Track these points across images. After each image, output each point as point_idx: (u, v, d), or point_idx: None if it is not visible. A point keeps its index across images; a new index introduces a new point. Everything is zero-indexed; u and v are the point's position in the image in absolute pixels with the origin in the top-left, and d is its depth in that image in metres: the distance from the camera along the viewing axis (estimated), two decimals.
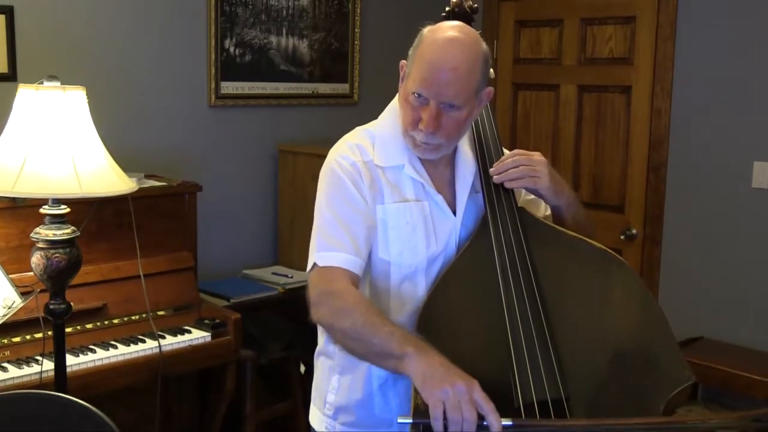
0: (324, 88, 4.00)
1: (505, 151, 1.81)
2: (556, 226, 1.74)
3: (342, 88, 4.07)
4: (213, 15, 3.51)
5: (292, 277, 3.52)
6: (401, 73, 1.69)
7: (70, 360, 2.54)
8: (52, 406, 1.78)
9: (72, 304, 2.38)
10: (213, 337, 2.91)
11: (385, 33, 4.14)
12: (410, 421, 1.40)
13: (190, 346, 2.85)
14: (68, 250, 2.30)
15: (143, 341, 2.78)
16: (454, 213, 1.73)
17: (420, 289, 1.69)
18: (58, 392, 1.93)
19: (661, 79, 3.69)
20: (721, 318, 3.55)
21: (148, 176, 3.17)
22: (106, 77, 3.21)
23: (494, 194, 1.72)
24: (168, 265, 3.00)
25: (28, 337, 2.60)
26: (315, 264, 1.64)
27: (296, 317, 3.05)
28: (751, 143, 3.44)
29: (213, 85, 3.56)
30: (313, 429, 1.83)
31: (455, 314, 1.64)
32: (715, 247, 3.57)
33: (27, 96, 2.25)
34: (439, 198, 1.71)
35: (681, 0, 3.61)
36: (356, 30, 4.06)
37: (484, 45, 1.65)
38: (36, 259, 2.29)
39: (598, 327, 1.64)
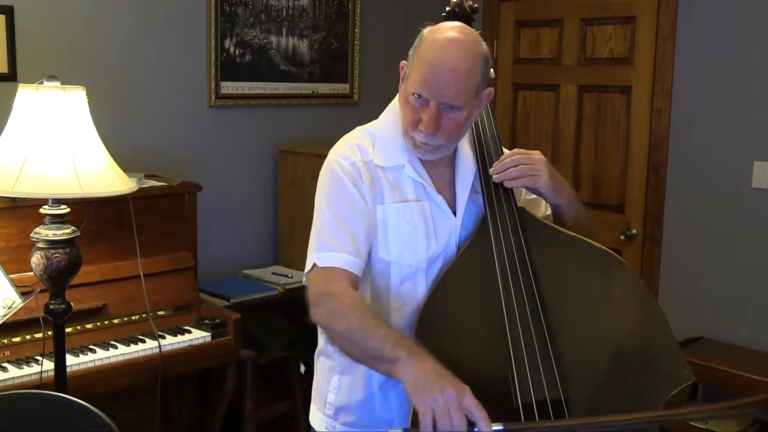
0: (324, 88, 4.00)
1: (505, 150, 1.81)
2: (556, 226, 1.74)
3: (342, 88, 4.08)
4: (213, 15, 3.51)
5: (292, 277, 3.52)
6: (401, 74, 1.69)
7: (70, 360, 2.55)
8: (52, 406, 1.79)
9: (72, 304, 2.38)
10: (213, 337, 2.91)
11: (385, 33, 4.14)
12: (400, 430, 1.39)
13: (190, 346, 2.85)
14: (68, 250, 2.30)
15: (143, 341, 2.78)
16: (454, 213, 1.73)
17: (420, 289, 1.69)
18: (58, 392, 1.93)
19: (661, 79, 3.69)
20: (721, 318, 3.55)
21: (148, 176, 3.17)
22: (106, 77, 3.21)
23: (494, 194, 1.72)
24: (168, 265, 3.00)
25: (28, 337, 2.60)
26: (315, 264, 1.64)
27: (296, 317, 3.05)
28: (751, 143, 3.44)
29: (213, 85, 3.56)
30: (314, 429, 1.83)
31: (455, 314, 1.64)
32: (715, 247, 3.57)
33: (27, 96, 2.25)
34: (440, 198, 1.71)
35: (681, 0, 3.61)
36: (356, 30, 4.06)
37: (484, 45, 1.65)
38: (36, 259, 2.29)
39: (598, 327, 1.64)
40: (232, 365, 3.01)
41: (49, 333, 2.40)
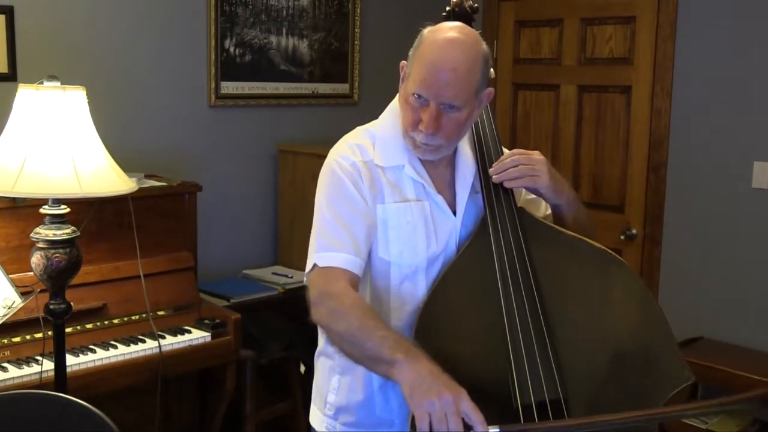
0: (324, 88, 4.00)
1: (505, 150, 1.81)
2: (556, 226, 1.74)
3: (342, 88, 4.08)
4: (213, 15, 3.51)
5: (292, 277, 3.52)
6: (401, 74, 1.69)
7: (70, 360, 2.55)
8: (52, 406, 1.79)
9: (72, 304, 2.38)
10: (213, 337, 2.91)
11: (385, 33, 4.14)
12: None
13: (190, 346, 2.85)
14: (68, 250, 2.30)
15: (143, 341, 2.78)
16: (454, 213, 1.73)
17: (420, 289, 1.69)
18: (58, 392, 1.93)
19: (661, 79, 3.69)
20: (721, 318, 3.55)
21: (148, 176, 3.17)
22: (106, 77, 3.21)
23: (494, 194, 1.72)
24: (168, 265, 3.00)
25: (28, 337, 2.60)
26: (315, 265, 1.64)
27: (296, 317, 3.05)
28: (751, 143, 3.44)
29: (213, 85, 3.56)
30: (314, 429, 1.83)
31: (455, 314, 1.64)
32: (715, 247, 3.57)
33: (27, 96, 2.25)
34: (439, 198, 1.71)
35: (681, 0, 3.61)
36: (356, 30, 4.06)
37: (484, 46, 1.65)
38: (36, 259, 2.29)
39: (598, 327, 1.64)
40: (232, 365, 3.01)
41: (49, 333, 2.40)
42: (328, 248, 1.63)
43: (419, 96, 1.60)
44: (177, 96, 3.47)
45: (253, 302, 3.34)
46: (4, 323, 2.27)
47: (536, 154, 1.73)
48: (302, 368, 3.41)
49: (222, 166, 3.64)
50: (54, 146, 2.22)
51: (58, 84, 2.27)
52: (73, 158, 2.23)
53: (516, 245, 1.66)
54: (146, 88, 3.37)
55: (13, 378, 2.45)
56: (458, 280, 1.66)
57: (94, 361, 2.63)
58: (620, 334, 1.64)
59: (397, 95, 1.73)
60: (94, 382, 2.57)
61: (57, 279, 2.31)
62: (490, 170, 1.73)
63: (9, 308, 2.22)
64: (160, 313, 2.91)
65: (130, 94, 3.32)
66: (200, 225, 3.25)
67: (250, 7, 3.65)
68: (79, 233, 2.35)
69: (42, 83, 2.27)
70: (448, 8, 1.89)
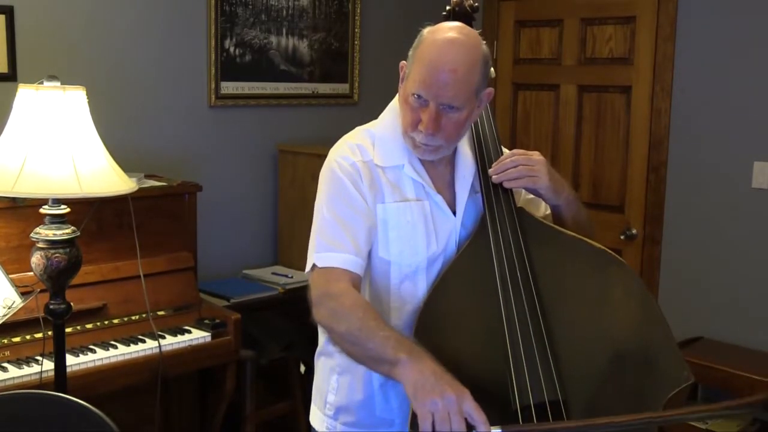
0: (324, 88, 4.00)
1: (505, 150, 1.81)
2: (555, 226, 1.74)
3: (342, 88, 4.08)
4: (213, 15, 3.51)
5: (292, 277, 3.52)
6: (401, 74, 1.69)
7: (70, 360, 2.55)
8: (52, 406, 1.79)
9: (72, 304, 2.38)
10: (213, 337, 2.92)
11: (385, 33, 4.14)
12: None
13: (190, 346, 2.85)
14: (68, 250, 2.30)
15: (143, 341, 2.78)
16: (454, 213, 1.73)
17: (420, 288, 1.69)
18: (58, 392, 1.93)
19: (661, 79, 3.69)
20: (721, 318, 3.55)
21: (148, 176, 3.17)
22: (106, 77, 3.21)
23: (493, 195, 1.72)
24: (168, 265, 3.00)
25: (28, 337, 2.60)
26: (314, 265, 1.64)
27: (296, 317, 3.06)
28: (751, 143, 3.44)
29: (213, 85, 3.56)
30: (314, 429, 1.83)
31: (455, 314, 1.64)
32: (715, 247, 3.57)
33: (27, 96, 2.25)
34: (439, 198, 1.71)
35: (681, 0, 3.61)
36: (356, 30, 4.06)
37: (484, 46, 1.65)
38: (36, 259, 2.29)
39: (598, 327, 1.64)
40: (232, 365, 3.01)
41: (49, 333, 2.40)
42: (328, 248, 1.63)
43: (419, 96, 1.60)
44: (177, 96, 3.47)
45: (253, 302, 3.34)
46: (4, 323, 2.27)
47: (536, 155, 1.73)
48: (302, 368, 3.41)
49: (222, 166, 3.64)
50: (54, 146, 2.22)
51: (58, 84, 2.27)
52: (73, 158, 2.23)
53: (515, 245, 1.66)
54: (146, 88, 3.37)
55: (13, 378, 2.46)
56: (458, 279, 1.66)
57: (94, 361, 2.63)
58: (620, 334, 1.64)
59: (397, 95, 1.73)
60: (93, 382, 2.57)
61: (57, 279, 2.31)
62: (490, 170, 1.73)
63: (9, 308, 2.22)
64: (160, 313, 2.92)
65: (130, 94, 3.32)
66: (200, 225, 3.25)
67: (250, 7, 3.65)
68: (79, 233, 2.35)
69: (42, 83, 2.27)
70: (448, 8, 1.89)
